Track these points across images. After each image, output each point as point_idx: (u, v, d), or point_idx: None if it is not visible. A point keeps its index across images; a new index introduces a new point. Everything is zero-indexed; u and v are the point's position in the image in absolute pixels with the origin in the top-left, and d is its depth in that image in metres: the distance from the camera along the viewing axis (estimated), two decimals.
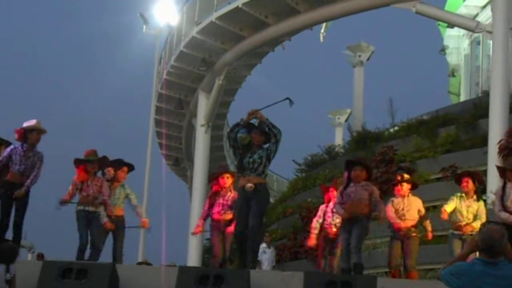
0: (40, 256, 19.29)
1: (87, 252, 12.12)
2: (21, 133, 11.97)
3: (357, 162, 11.78)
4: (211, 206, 12.38)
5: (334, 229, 12.76)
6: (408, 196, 12.43)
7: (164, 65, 33.75)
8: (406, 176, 12.94)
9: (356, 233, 11.06)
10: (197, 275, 9.51)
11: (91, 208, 12.20)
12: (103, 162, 12.57)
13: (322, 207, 13.23)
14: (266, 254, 14.69)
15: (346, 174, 11.64)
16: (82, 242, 12.10)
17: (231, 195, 12.28)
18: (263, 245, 14.76)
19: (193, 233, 13.34)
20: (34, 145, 12.01)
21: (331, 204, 12.87)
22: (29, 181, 11.84)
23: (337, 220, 12.58)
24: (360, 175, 11.35)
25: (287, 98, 10.87)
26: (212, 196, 12.42)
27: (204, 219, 12.58)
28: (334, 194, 12.67)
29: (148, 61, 35.97)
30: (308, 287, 9.32)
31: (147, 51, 35.69)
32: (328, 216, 12.97)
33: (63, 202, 12.31)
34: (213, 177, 12.71)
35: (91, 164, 12.30)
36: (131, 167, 13.10)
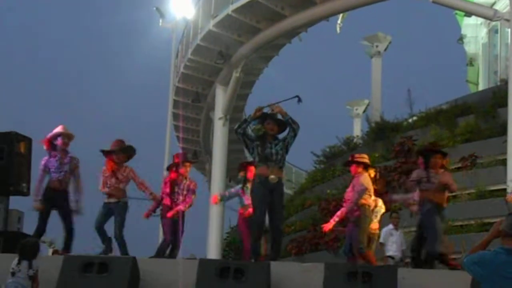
0: (56, 252, 19.35)
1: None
2: (47, 142, 12.02)
3: (436, 150, 11.89)
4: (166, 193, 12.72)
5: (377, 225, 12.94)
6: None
7: (181, 59, 33.78)
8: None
9: (430, 223, 11.17)
10: (218, 267, 9.53)
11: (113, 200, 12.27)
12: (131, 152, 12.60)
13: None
14: (393, 236, 14.51)
15: (421, 160, 11.75)
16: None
17: (186, 182, 12.83)
18: (390, 226, 14.64)
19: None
20: (64, 150, 12.04)
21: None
22: (77, 196, 11.98)
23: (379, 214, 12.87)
24: (438, 162, 11.47)
25: (297, 96, 10.83)
26: (169, 183, 12.68)
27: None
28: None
29: (165, 55, 36.00)
30: (329, 278, 9.32)
31: (163, 45, 35.71)
32: None
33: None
34: (174, 165, 12.92)
35: (116, 154, 12.36)
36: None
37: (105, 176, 12.40)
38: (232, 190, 13.48)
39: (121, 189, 12.28)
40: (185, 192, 12.83)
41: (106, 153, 12.45)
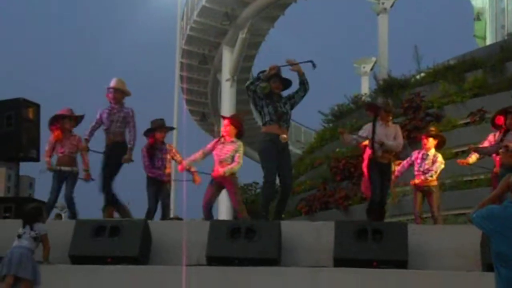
0: (59, 217, 19.44)
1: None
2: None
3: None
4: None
5: (422, 177, 12.62)
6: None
7: (187, 21, 33.67)
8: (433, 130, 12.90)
9: None
10: (229, 228, 9.58)
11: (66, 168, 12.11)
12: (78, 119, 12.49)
13: (415, 153, 12.96)
14: None
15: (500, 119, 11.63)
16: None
17: (164, 147, 12.51)
18: None
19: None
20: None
21: (423, 151, 12.77)
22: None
23: (426, 167, 12.61)
24: None
25: (311, 61, 10.78)
26: (146, 149, 12.48)
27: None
28: (425, 141, 12.73)
29: (170, 15, 35.84)
30: (339, 236, 9.36)
31: (170, 6, 35.51)
32: (417, 163, 12.79)
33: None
34: (154, 128, 12.67)
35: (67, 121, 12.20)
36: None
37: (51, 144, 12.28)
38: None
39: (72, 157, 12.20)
40: (168, 157, 12.50)
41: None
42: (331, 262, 9.31)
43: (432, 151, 12.76)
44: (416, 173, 12.73)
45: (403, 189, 16.97)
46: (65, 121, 12.16)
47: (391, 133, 11.63)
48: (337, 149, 22.27)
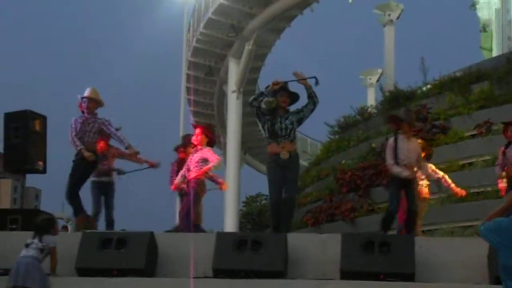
0: (65, 228, 19.48)
1: None
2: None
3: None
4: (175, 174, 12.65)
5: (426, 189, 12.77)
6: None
7: (193, 33, 33.74)
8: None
9: None
10: (235, 240, 9.56)
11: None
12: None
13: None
14: None
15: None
16: None
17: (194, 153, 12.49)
18: None
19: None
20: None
21: None
22: None
23: (424, 181, 12.67)
24: None
25: (314, 77, 10.76)
26: (176, 164, 12.63)
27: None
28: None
29: (176, 28, 35.92)
30: (346, 249, 9.34)
31: (175, 17, 35.61)
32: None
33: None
34: (185, 144, 12.81)
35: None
36: None
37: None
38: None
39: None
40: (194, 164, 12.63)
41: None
42: (338, 275, 9.29)
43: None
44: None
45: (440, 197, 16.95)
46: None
47: (413, 148, 11.45)
48: (343, 161, 22.26)
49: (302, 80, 10.65)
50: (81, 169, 11.81)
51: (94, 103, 12.06)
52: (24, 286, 9.00)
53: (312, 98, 10.69)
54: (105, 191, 13.14)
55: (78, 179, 11.81)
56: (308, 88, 10.68)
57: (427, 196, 12.70)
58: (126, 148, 11.99)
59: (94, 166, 11.98)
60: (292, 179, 10.75)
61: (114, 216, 13.28)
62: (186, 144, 12.74)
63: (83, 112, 12.09)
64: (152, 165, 12.79)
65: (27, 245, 9.25)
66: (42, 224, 9.47)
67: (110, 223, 13.06)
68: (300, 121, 10.77)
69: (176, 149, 13.07)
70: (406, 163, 11.20)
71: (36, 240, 9.27)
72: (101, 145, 12.46)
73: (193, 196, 11.89)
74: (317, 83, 10.69)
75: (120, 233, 10.33)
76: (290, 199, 10.73)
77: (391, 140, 11.41)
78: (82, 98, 12.08)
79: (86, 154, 11.68)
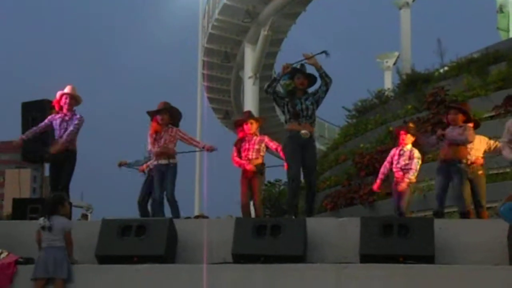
0: (85, 217, 19.57)
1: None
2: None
3: (452, 106, 11.89)
4: (238, 152, 12.49)
5: (401, 173, 13.02)
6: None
7: (208, 19, 33.73)
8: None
9: (458, 180, 11.15)
10: (254, 225, 9.58)
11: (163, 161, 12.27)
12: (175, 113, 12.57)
13: (393, 150, 13.30)
14: None
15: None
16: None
17: (257, 138, 12.49)
18: None
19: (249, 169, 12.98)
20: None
21: (400, 147, 13.16)
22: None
23: (403, 163, 12.93)
24: (454, 118, 11.45)
25: (324, 51, 10.72)
26: (238, 142, 12.53)
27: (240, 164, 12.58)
28: (402, 137, 13.07)
29: (192, 14, 35.92)
30: (365, 232, 9.34)
31: (191, 4, 35.57)
32: (394, 160, 13.10)
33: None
34: (238, 124, 12.79)
35: (161, 114, 12.32)
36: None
37: (151, 137, 12.41)
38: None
39: (170, 149, 12.26)
40: (256, 146, 12.45)
41: (151, 114, 12.42)
42: (357, 258, 9.29)
43: (408, 147, 13.11)
44: (394, 169, 13.13)
45: (428, 184, 16.92)
46: (161, 115, 12.31)
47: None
48: (361, 145, 22.23)
49: (311, 60, 10.63)
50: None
51: (74, 100, 12.17)
52: (55, 276, 9.07)
53: (324, 79, 10.70)
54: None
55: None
56: (319, 69, 10.68)
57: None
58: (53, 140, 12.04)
59: (69, 162, 11.99)
60: (312, 160, 10.82)
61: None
62: (241, 122, 12.73)
63: (60, 109, 12.12)
64: (209, 149, 12.67)
65: (43, 228, 9.23)
66: (50, 202, 9.49)
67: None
68: (317, 103, 10.80)
69: (235, 127, 12.99)
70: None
71: (45, 219, 9.24)
72: (154, 126, 12.42)
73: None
74: (327, 55, 10.65)
75: (139, 220, 10.37)
76: (311, 182, 10.77)
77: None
78: (63, 94, 12.12)
79: (19, 139, 12.04)
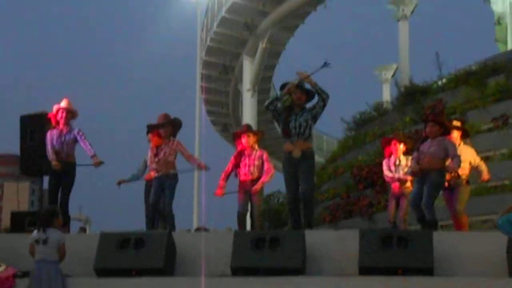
0: (83, 230, 19.52)
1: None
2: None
3: (429, 119, 11.84)
4: (236, 166, 12.48)
5: (398, 184, 13.05)
6: (459, 145, 12.25)
7: (206, 32, 33.78)
8: (456, 123, 12.76)
9: (427, 189, 11.11)
10: (253, 238, 9.57)
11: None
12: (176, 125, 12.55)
13: (385, 161, 13.28)
14: None
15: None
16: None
17: (257, 153, 12.45)
18: None
19: (215, 194, 13.01)
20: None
21: (392, 158, 13.13)
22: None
23: (402, 173, 12.94)
24: (432, 131, 11.42)
25: (324, 63, 10.73)
26: (237, 156, 12.49)
27: (225, 180, 12.59)
28: (395, 147, 13.06)
29: (190, 27, 35.95)
30: (364, 244, 9.33)
31: (189, 17, 35.63)
32: (392, 170, 13.11)
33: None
34: (236, 136, 12.78)
35: (163, 128, 12.31)
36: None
37: (152, 151, 12.37)
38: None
39: (169, 161, 12.23)
40: (256, 162, 12.41)
41: (152, 128, 12.40)
42: (356, 271, 9.28)
43: (402, 157, 13.10)
44: (390, 180, 13.17)
45: None
46: (164, 129, 12.31)
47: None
48: (360, 157, 22.23)
49: (306, 79, 10.65)
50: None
51: (70, 114, 12.31)
52: None
53: (320, 95, 10.72)
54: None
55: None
56: (314, 86, 10.69)
57: None
58: (92, 157, 12.19)
59: (68, 174, 12.17)
60: (305, 176, 10.78)
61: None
62: (239, 135, 12.72)
63: (56, 123, 12.27)
64: (203, 167, 12.64)
65: (37, 241, 9.22)
66: (44, 215, 9.46)
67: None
68: (314, 118, 10.80)
69: (234, 139, 13.00)
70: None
71: (36, 233, 9.24)
72: (155, 140, 12.41)
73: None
74: (327, 65, 10.67)
75: (138, 233, 10.35)
76: (303, 195, 10.75)
77: None
78: (59, 109, 12.23)
79: (54, 163, 12.07)
